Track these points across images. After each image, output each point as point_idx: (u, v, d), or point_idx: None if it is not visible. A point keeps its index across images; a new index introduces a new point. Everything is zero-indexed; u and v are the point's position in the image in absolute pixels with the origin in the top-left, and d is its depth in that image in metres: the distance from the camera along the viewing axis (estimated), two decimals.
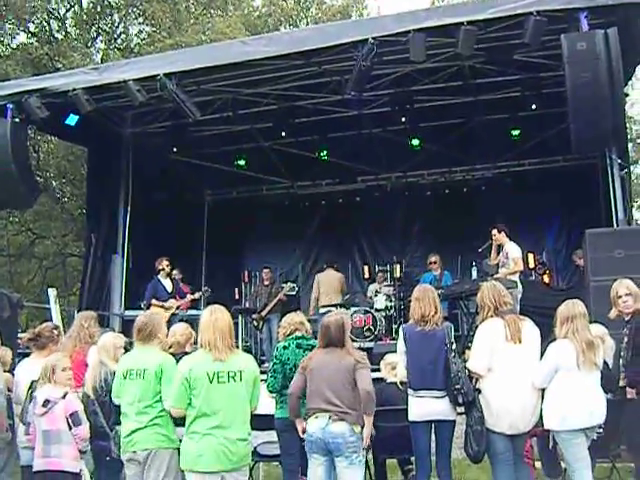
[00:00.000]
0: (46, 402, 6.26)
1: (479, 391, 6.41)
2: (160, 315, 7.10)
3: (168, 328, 7.15)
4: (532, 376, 6.36)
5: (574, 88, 9.54)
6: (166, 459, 5.91)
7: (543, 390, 6.37)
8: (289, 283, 15.19)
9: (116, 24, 23.69)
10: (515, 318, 6.49)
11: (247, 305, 15.33)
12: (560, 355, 6.32)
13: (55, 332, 7.78)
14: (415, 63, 11.30)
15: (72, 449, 6.27)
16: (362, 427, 6.01)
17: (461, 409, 6.60)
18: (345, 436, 5.91)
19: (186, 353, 6.86)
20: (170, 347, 7.05)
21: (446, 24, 10.17)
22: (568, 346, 6.31)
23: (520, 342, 6.34)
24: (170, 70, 11.42)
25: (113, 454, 6.34)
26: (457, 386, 6.38)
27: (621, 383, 7.00)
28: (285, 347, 7.23)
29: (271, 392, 7.24)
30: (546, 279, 14.55)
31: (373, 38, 10.45)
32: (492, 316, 6.45)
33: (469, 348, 6.85)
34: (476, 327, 6.75)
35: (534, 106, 13.71)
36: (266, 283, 14.76)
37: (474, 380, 6.47)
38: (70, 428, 6.24)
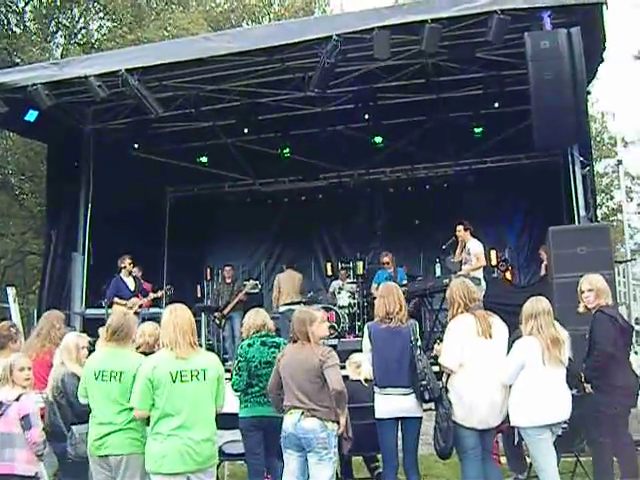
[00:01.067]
0: (0, 405, 6.12)
1: (446, 388, 6.43)
2: (133, 315, 6.98)
3: None
4: (500, 371, 6.41)
5: (537, 86, 9.63)
6: (140, 464, 5.77)
7: (510, 386, 6.42)
8: (251, 281, 15.16)
9: (76, 19, 23.36)
10: (485, 314, 6.54)
11: (209, 303, 15.25)
12: (526, 352, 6.38)
13: (13, 330, 7.59)
14: (379, 60, 11.28)
15: (26, 453, 6.08)
16: (334, 422, 6.01)
17: (429, 405, 6.63)
18: (316, 432, 5.92)
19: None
20: (139, 347, 6.95)
21: (410, 21, 10.20)
22: (533, 343, 6.37)
23: (491, 337, 6.40)
24: (132, 65, 11.30)
25: (69, 455, 6.20)
26: (423, 382, 6.42)
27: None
28: (250, 345, 7.19)
29: (236, 390, 7.18)
30: (508, 276, 14.66)
31: (337, 35, 10.44)
32: (462, 312, 6.48)
33: (436, 343, 6.85)
34: (445, 324, 6.77)
35: (497, 104, 13.77)
36: (228, 281, 14.70)
37: (444, 376, 6.49)
38: (24, 431, 6.08)
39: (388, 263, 13.77)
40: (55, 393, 6.44)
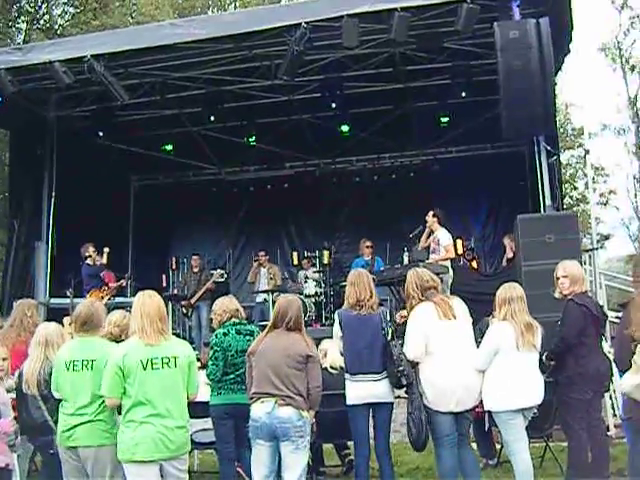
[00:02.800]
0: None
1: (417, 378, 6.46)
2: (101, 304, 6.90)
3: None
4: (471, 351, 6.50)
5: (506, 75, 9.69)
6: (109, 456, 5.70)
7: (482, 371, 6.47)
8: (218, 270, 15.09)
9: (39, 4, 22.99)
10: (443, 297, 6.61)
11: (175, 292, 15.15)
12: (500, 337, 6.46)
13: None
14: (347, 49, 11.26)
15: None
16: (308, 410, 5.99)
17: (400, 393, 6.65)
18: (292, 420, 5.85)
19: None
20: (103, 337, 6.86)
21: (380, 10, 10.18)
22: (507, 328, 6.44)
23: (454, 318, 6.44)
24: (98, 51, 11.17)
25: (55, 449, 6.12)
26: (400, 368, 6.42)
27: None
28: (225, 334, 7.13)
29: (212, 380, 7.13)
30: (474, 265, 14.75)
31: (306, 22, 10.41)
32: (418, 302, 6.53)
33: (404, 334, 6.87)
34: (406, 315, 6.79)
35: (464, 94, 13.80)
36: (195, 270, 14.63)
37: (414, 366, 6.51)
38: None
39: (370, 247, 13.83)
40: (42, 387, 6.31)
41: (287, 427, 5.84)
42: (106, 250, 13.41)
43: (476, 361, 6.47)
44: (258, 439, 5.98)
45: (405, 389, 6.55)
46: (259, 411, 5.94)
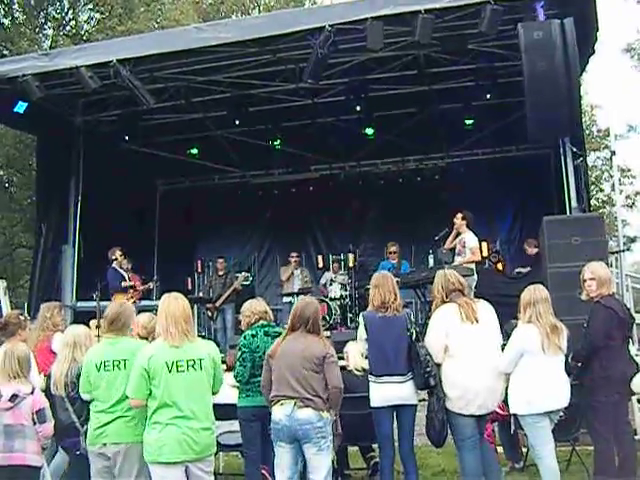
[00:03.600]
0: (14, 397, 6.10)
1: (440, 379, 6.45)
2: (130, 304, 6.96)
3: None
4: (495, 354, 6.48)
5: (531, 77, 9.63)
6: (137, 455, 5.74)
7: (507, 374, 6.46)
8: (243, 273, 15.16)
9: (65, 10, 23.20)
10: (467, 300, 6.58)
11: (201, 295, 15.21)
12: (525, 340, 6.43)
13: (22, 318, 7.69)
14: (371, 52, 11.25)
15: (35, 444, 6.14)
16: (328, 411, 6.00)
17: (424, 395, 6.65)
18: (312, 422, 5.87)
19: None
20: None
21: (404, 12, 10.17)
22: (533, 330, 6.42)
23: (477, 322, 6.41)
24: (124, 56, 11.25)
25: (82, 450, 6.18)
26: (427, 369, 6.41)
27: None
28: (253, 335, 7.16)
29: (240, 382, 7.15)
30: (500, 267, 14.66)
31: (330, 26, 10.41)
32: (442, 303, 6.52)
33: None
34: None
35: (488, 95, 13.75)
36: (220, 273, 14.71)
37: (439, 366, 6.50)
38: (34, 424, 6.11)
39: (395, 252, 13.83)
40: (69, 389, 6.39)
41: (307, 429, 5.86)
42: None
43: (501, 364, 6.46)
44: (280, 442, 6.01)
45: (434, 388, 6.52)
46: (279, 413, 5.97)
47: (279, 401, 6.01)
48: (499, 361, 6.48)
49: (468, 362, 6.34)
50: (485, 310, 6.62)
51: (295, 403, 5.90)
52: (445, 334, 6.42)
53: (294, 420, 5.88)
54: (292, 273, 14.97)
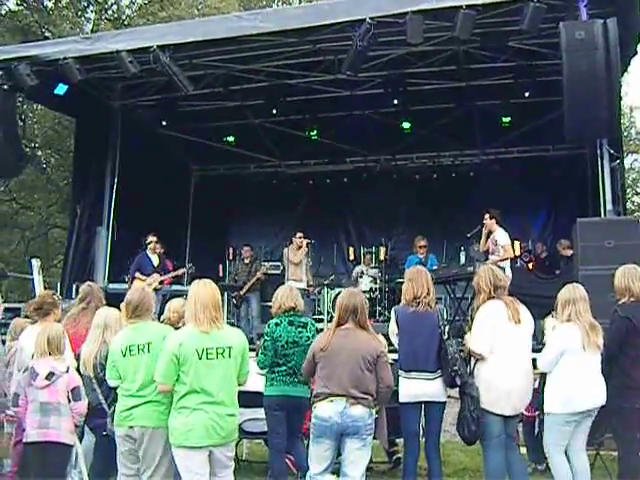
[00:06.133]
0: (50, 375, 6.23)
1: (472, 374, 6.43)
2: (150, 291, 7.01)
3: None
4: (530, 356, 6.47)
5: (571, 77, 9.53)
6: (163, 439, 5.80)
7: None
8: (268, 262, 15.14)
9: None
10: (513, 300, 6.55)
11: (229, 282, 15.24)
12: (566, 338, 6.42)
13: (55, 298, 7.79)
14: (410, 45, 11.21)
15: (69, 422, 6.28)
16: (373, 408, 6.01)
17: (452, 392, 6.63)
18: (365, 419, 5.85)
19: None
20: (163, 322, 6.99)
21: (445, 7, 10.12)
22: (573, 329, 6.41)
23: (520, 322, 6.41)
24: (164, 42, 11.33)
25: (109, 431, 6.29)
26: (455, 368, 6.41)
27: None
28: (277, 324, 7.17)
29: (262, 369, 7.20)
30: (531, 267, 14.57)
31: (371, 18, 10.39)
32: (489, 299, 6.49)
33: (467, 333, 6.82)
34: (473, 310, 6.75)
35: (527, 94, 13.65)
36: (246, 261, 14.66)
37: (473, 362, 6.47)
38: (69, 402, 6.22)
39: (424, 247, 13.77)
40: (98, 370, 6.49)
41: (359, 425, 5.84)
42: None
43: (542, 363, 6.48)
44: (325, 438, 5.93)
45: (463, 386, 6.49)
46: (329, 410, 5.88)
47: (327, 397, 5.93)
48: (539, 360, 6.51)
49: (508, 362, 6.33)
50: (525, 311, 6.59)
51: (347, 400, 5.85)
52: (493, 332, 6.40)
53: (347, 417, 5.83)
54: (301, 261, 14.21)
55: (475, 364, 6.45)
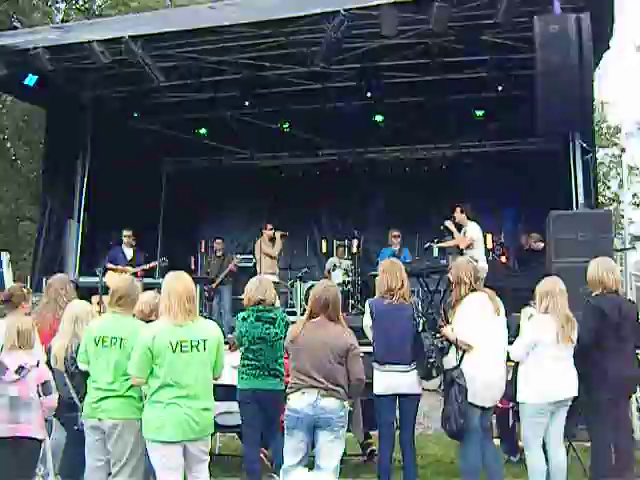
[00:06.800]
0: (20, 369, 6.12)
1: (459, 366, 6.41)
2: (138, 283, 6.90)
3: None
4: (505, 349, 6.54)
5: (544, 70, 9.57)
6: (134, 431, 5.79)
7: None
8: (241, 255, 15.10)
9: None
10: (492, 292, 6.58)
11: (201, 275, 15.17)
12: (540, 330, 6.45)
13: (25, 290, 7.68)
14: (384, 38, 11.19)
15: (40, 417, 6.19)
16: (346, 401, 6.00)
17: (429, 384, 6.64)
18: (336, 412, 5.86)
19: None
20: (134, 315, 6.89)
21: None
22: (548, 321, 6.45)
23: (499, 315, 6.43)
24: (136, 32, 11.19)
25: (80, 426, 6.22)
26: (431, 360, 6.40)
27: None
28: (244, 318, 7.12)
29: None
30: (503, 260, 14.63)
31: (345, 10, 10.33)
32: (471, 291, 6.49)
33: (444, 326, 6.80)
34: (451, 302, 6.73)
35: (500, 88, 13.68)
36: (218, 254, 14.65)
37: (459, 353, 6.44)
38: (39, 396, 6.13)
39: (397, 236, 13.79)
40: (69, 364, 6.43)
41: (331, 417, 5.85)
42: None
43: (514, 353, 6.52)
44: (297, 430, 5.94)
45: (450, 377, 6.48)
46: (301, 402, 5.90)
47: (299, 389, 5.94)
48: (512, 350, 6.53)
49: (490, 354, 6.39)
50: (501, 304, 6.63)
51: (319, 392, 5.86)
52: (480, 322, 6.43)
53: (318, 409, 5.84)
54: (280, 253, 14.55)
55: (462, 356, 6.42)
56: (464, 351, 6.40)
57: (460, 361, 6.40)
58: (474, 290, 6.51)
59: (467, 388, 6.30)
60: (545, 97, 9.66)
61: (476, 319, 6.41)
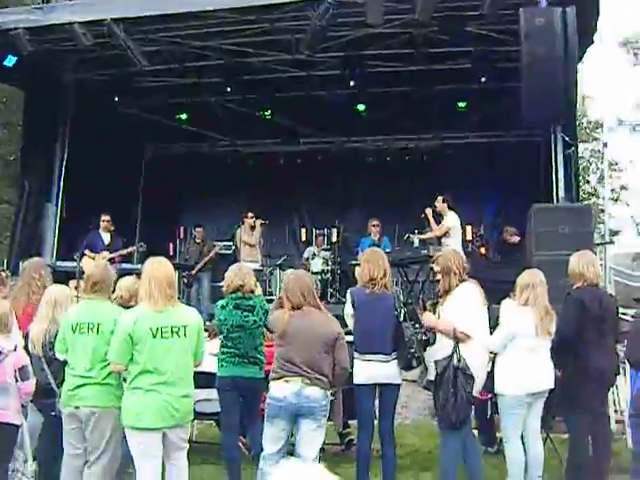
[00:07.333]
0: None
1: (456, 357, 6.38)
2: (112, 269, 6.83)
3: None
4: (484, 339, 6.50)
5: (529, 62, 9.60)
6: (111, 419, 5.75)
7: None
8: (221, 242, 15.05)
9: None
10: (477, 283, 6.60)
11: (180, 261, 15.10)
12: (519, 322, 6.46)
13: (3, 274, 7.58)
14: (369, 27, 11.15)
15: (17, 402, 6.06)
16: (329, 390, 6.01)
17: (408, 375, 6.64)
18: (319, 400, 5.86)
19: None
20: (113, 300, 6.82)
21: None
22: (527, 313, 6.47)
23: (485, 305, 6.46)
24: (119, 15, 11.09)
25: (57, 411, 6.15)
26: (411, 350, 6.41)
27: None
28: (223, 307, 7.07)
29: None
30: (483, 252, 14.67)
31: None
32: (461, 282, 6.49)
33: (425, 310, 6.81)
34: (439, 291, 6.71)
35: (483, 79, 13.70)
36: (198, 241, 14.62)
37: (453, 342, 6.41)
38: (16, 381, 6.02)
39: (377, 226, 13.80)
40: (47, 349, 6.34)
41: (314, 406, 5.84)
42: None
43: (492, 344, 6.51)
44: (279, 419, 5.92)
45: (459, 369, 6.36)
46: (284, 390, 5.87)
47: (283, 377, 5.92)
48: (490, 341, 6.52)
49: (478, 345, 6.38)
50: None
51: (303, 380, 5.84)
52: (473, 313, 6.43)
53: (302, 397, 5.83)
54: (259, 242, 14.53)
55: (456, 345, 6.39)
56: (458, 340, 6.35)
57: (456, 350, 6.33)
58: (463, 280, 6.49)
59: (474, 377, 6.26)
60: (529, 88, 9.70)
61: (470, 309, 6.40)
